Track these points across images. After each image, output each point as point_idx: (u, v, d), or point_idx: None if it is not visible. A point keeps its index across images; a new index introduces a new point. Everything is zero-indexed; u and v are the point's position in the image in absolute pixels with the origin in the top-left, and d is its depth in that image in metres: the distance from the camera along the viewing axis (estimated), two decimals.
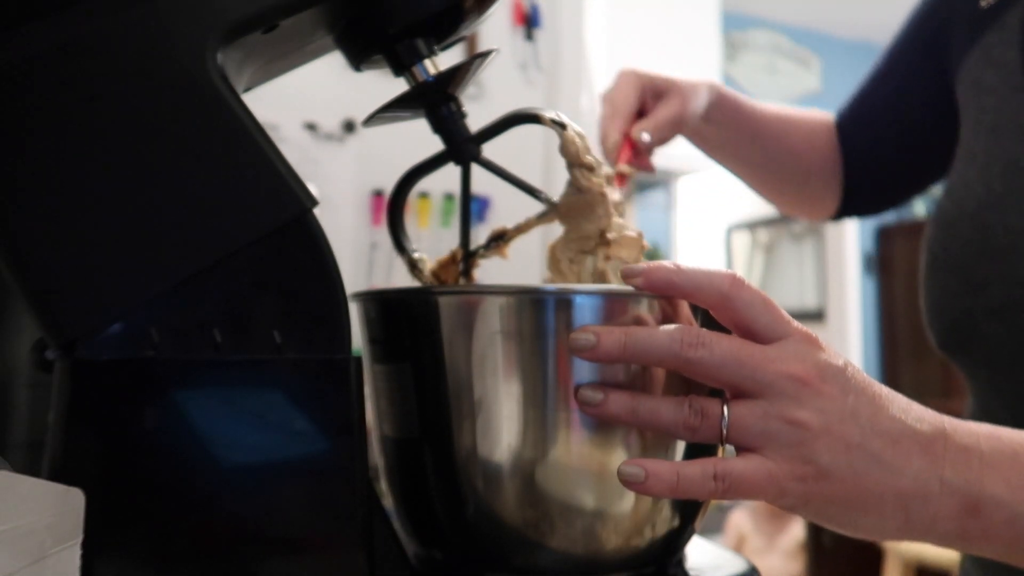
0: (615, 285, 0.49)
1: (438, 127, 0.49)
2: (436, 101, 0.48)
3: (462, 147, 0.49)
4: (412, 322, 0.42)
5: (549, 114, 0.48)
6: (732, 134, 0.79)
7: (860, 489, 0.37)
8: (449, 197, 1.95)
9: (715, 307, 0.39)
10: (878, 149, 0.80)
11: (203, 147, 0.39)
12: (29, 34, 0.37)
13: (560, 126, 0.48)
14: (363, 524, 0.39)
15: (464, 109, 0.49)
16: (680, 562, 0.46)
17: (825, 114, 0.85)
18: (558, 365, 0.40)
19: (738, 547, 2.72)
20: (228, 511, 0.37)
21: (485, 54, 0.49)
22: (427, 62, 0.47)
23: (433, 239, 1.91)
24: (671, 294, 0.39)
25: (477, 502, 0.41)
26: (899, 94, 0.78)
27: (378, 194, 1.91)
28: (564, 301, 0.40)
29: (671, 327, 0.38)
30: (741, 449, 0.38)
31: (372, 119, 0.49)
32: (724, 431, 0.37)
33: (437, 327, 0.41)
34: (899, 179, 0.82)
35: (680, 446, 0.42)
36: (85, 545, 0.32)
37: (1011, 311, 0.58)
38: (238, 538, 0.38)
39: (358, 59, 0.49)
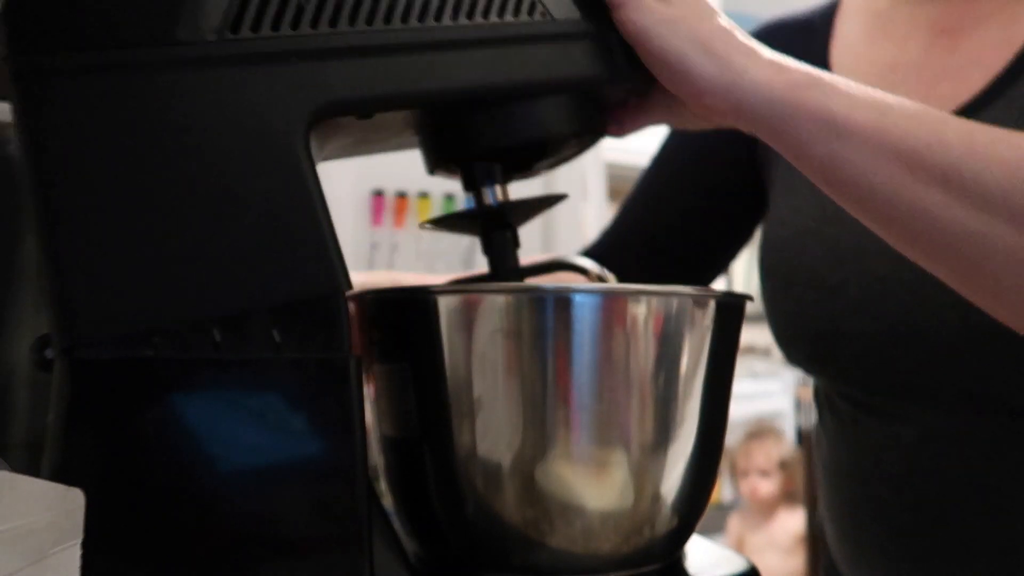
0: (615, 285, 0.50)
1: (489, 251, 0.50)
2: (494, 227, 0.49)
3: (508, 276, 0.50)
4: (411, 322, 0.42)
5: (593, 267, 0.50)
6: None
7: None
8: (449, 197, 1.95)
9: None
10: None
11: (266, 207, 0.39)
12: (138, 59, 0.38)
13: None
14: (363, 524, 0.39)
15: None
16: (680, 562, 0.46)
17: None
18: (558, 365, 0.40)
19: (739, 547, 2.72)
20: (228, 511, 0.37)
21: (558, 198, 0.50)
22: (497, 187, 0.48)
23: (433, 239, 1.91)
24: None
25: (477, 502, 0.41)
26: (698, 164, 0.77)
27: (378, 194, 1.92)
28: (564, 300, 0.40)
29: None
30: None
31: (430, 225, 0.50)
32: None
33: (436, 327, 0.41)
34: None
35: (677, 445, 0.42)
36: (85, 545, 0.32)
37: (872, 304, 0.61)
38: (238, 538, 0.38)
39: (434, 165, 0.50)
